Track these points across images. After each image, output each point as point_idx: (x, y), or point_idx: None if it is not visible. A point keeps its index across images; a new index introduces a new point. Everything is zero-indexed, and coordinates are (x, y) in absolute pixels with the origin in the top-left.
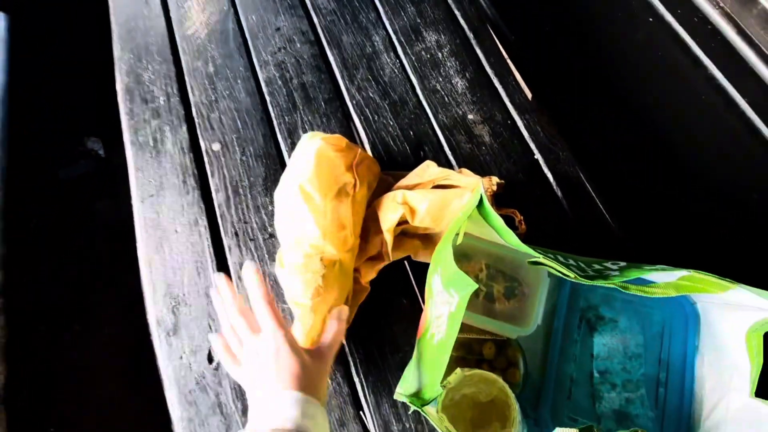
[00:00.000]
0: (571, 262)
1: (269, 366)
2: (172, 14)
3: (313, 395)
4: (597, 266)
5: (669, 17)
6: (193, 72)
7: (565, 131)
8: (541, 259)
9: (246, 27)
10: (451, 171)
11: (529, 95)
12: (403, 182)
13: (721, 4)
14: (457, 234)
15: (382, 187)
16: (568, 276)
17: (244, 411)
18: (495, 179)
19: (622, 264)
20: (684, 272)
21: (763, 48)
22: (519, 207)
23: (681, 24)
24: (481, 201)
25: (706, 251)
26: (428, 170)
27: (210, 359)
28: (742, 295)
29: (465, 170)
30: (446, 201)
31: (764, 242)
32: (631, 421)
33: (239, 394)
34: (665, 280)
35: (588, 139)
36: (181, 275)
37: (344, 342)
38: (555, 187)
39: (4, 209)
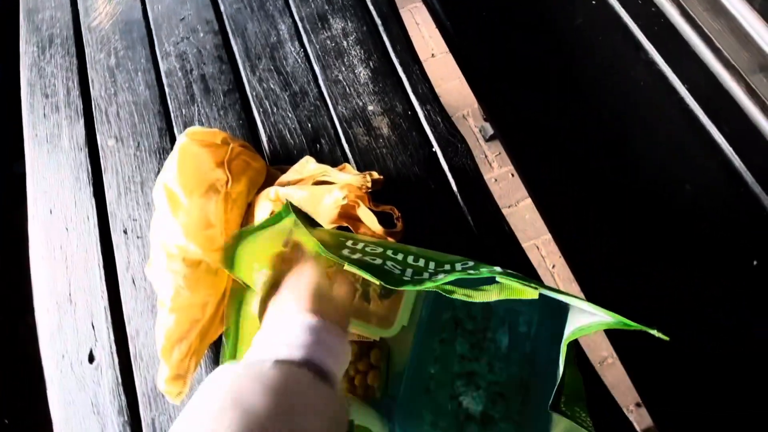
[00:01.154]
0: (410, 260)
1: (288, 283)
2: (79, 4)
3: (334, 322)
4: (447, 266)
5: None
6: (95, 65)
7: (496, 117)
8: (346, 265)
9: (151, 17)
10: (328, 167)
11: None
12: (283, 178)
13: None
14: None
15: (270, 182)
16: (374, 281)
17: (120, 410)
18: (372, 176)
19: (470, 264)
20: (497, 276)
21: (705, 30)
22: (409, 202)
23: (623, 6)
24: (300, 218)
25: (625, 246)
26: (307, 166)
27: (91, 359)
28: (567, 299)
29: (347, 166)
30: (317, 198)
31: (689, 235)
32: (495, 425)
33: (117, 393)
34: (495, 283)
35: (518, 123)
36: (67, 274)
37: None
38: (451, 180)
39: None
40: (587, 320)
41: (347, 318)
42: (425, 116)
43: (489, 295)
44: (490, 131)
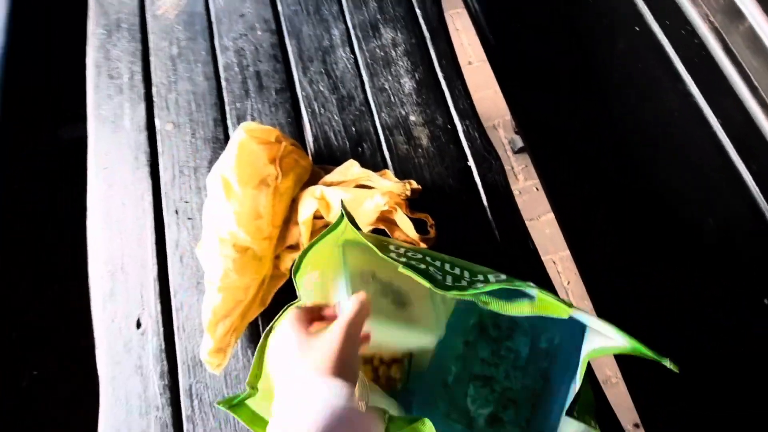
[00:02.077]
0: (447, 267)
1: (294, 355)
2: None
3: (349, 381)
4: (481, 276)
5: (655, 27)
6: (158, 52)
7: (528, 131)
8: (400, 267)
9: (213, 11)
10: (371, 172)
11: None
12: (327, 178)
13: (711, 19)
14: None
15: (313, 180)
16: (426, 285)
17: (161, 374)
18: (411, 184)
19: (503, 277)
20: (535, 289)
21: (745, 67)
22: (442, 211)
23: (667, 36)
24: (351, 223)
25: (651, 273)
26: (351, 169)
27: (138, 325)
28: (592, 321)
29: (387, 172)
30: (359, 200)
31: (711, 268)
32: (503, 426)
33: (159, 359)
34: (528, 298)
35: (549, 140)
36: (122, 246)
37: (259, 322)
38: (482, 194)
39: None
40: (605, 342)
41: (356, 374)
42: (464, 131)
43: (522, 309)
44: (519, 144)
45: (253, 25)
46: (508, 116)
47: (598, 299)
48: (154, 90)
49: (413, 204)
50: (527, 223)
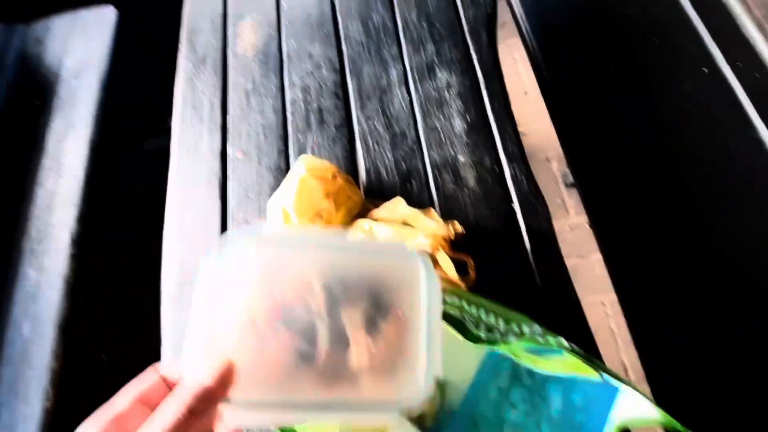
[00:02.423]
0: (483, 314)
1: None
2: (229, 32)
3: None
4: (515, 326)
5: (726, 70)
6: (236, 87)
7: (580, 169)
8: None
9: (285, 51)
10: (417, 212)
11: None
12: (375, 213)
13: None
14: None
15: (363, 213)
16: (458, 337)
17: None
18: (454, 226)
19: (538, 329)
20: (564, 351)
21: None
22: (484, 252)
23: (738, 79)
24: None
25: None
26: (398, 207)
27: None
28: (624, 388)
29: (432, 211)
30: (403, 239)
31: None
32: None
33: None
34: (560, 356)
35: (602, 179)
36: (191, 255)
37: None
38: (525, 239)
39: (90, 173)
40: (637, 411)
41: None
42: (511, 174)
43: (553, 367)
44: (572, 179)
45: (320, 64)
46: (561, 149)
47: (645, 350)
48: (229, 120)
49: (455, 244)
50: (576, 260)
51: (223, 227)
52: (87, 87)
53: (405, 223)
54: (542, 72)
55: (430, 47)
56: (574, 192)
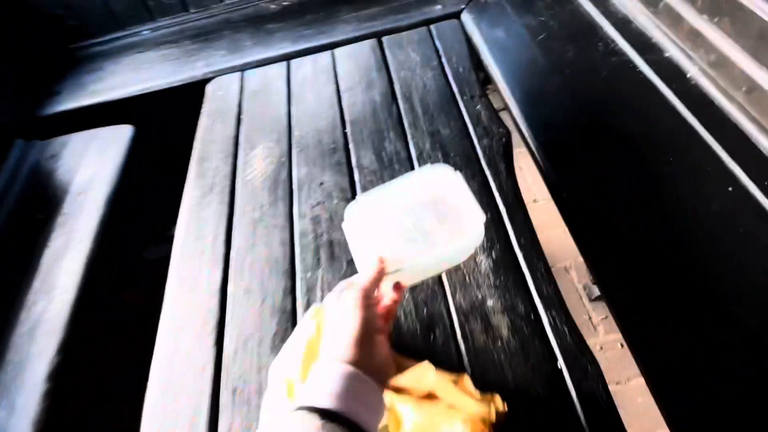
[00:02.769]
0: None
1: (332, 332)
2: (239, 159)
3: (372, 375)
4: None
5: (753, 188)
6: (242, 216)
7: (603, 280)
8: None
9: (295, 178)
10: (448, 382)
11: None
12: (398, 381)
13: None
14: None
15: None
16: None
17: None
18: (496, 404)
19: None
20: None
21: None
22: (529, 426)
23: (767, 196)
24: None
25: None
26: (426, 375)
27: None
28: None
29: (466, 380)
30: (434, 425)
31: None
32: None
33: None
34: None
35: (629, 292)
36: (174, 424)
37: None
38: (579, 410)
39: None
40: None
41: (387, 376)
42: (550, 323)
43: None
44: (596, 291)
45: (330, 193)
46: (581, 258)
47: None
48: (233, 253)
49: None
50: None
51: (215, 384)
52: (92, 202)
53: (433, 395)
54: (555, 186)
55: None
56: (600, 307)
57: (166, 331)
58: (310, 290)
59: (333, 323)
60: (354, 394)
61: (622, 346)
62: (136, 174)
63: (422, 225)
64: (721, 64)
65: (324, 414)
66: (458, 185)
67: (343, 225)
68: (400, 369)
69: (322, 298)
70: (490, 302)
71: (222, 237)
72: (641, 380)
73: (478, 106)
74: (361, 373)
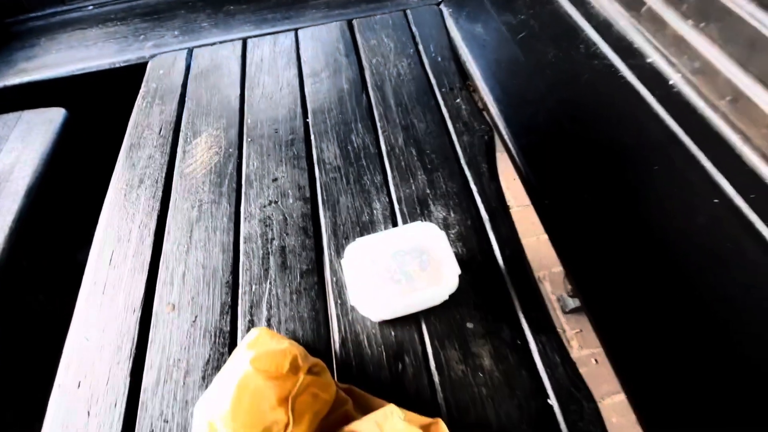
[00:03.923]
0: None
1: None
2: (179, 148)
3: None
4: None
5: (739, 200)
6: (176, 214)
7: (584, 290)
8: None
9: (245, 173)
10: (418, 429)
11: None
12: (356, 426)
13: None
14: None
15: (336, 414)
16: None
17: None
18: None
19: None
20: None
21: None
22: None
23: (753, 209)
24: None
25: None
26: (390, 420)
27: None
28: None
29: (441, 427)
30: None
31: None
32: None
33: None
34: None
35: (609, 303)
36: None
37: None
38: None
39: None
40: None
41: None
42: (539, 351)
43: None
44: (571, 304)
45: (286, 191)
46: (556, 268)
47: None
48: (162, 259)
49: None
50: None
51: (129, 421)
52: (9, 194)
53: None
54: (535, 191)
55: (421, 177)
56: (573, 319)
57: (70, 353)
58: (254, 307)
59: None
60: None
61: (596, 362)
62: (67, 163)
63: (406, 270)
64: (705, 71)
65: None
66: (441, 241)
67: (342, 261)
68: (361, 408)
69: (269, 318)
70: (469, 325)
71: (149, 240)
72: (617, 398)
73: (458, 99)
74: None
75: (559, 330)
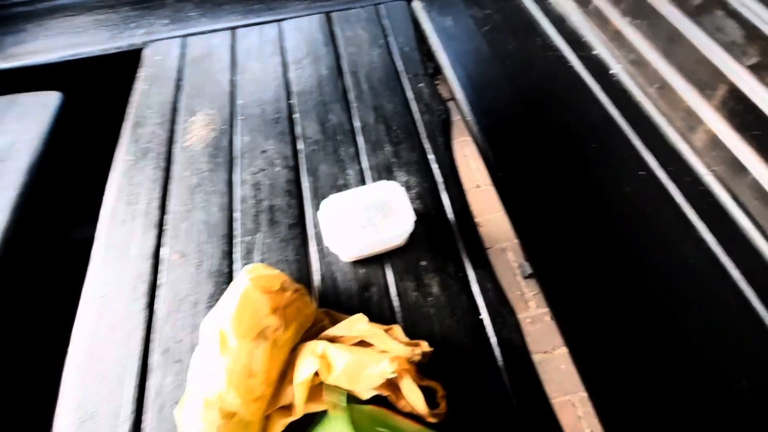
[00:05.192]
0: None
1: None
2: (177, 125)
3: None
4: None
5: (660, 173)
6: (179, 181)
7: (536, 261)
8: None
9: (237, 145)
10: (379, 330)
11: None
12: (330, 331)
13: (714, 168)
14: None
15: (316, 328)
16: None
17: None
18: (421, 347)
19: None
20: None
21: (755, 217)
22: (453, 372)
23: (672, 180)
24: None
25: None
26: (356, 325)
27: None
28: None
29: (396, 329)
30: (363, 364)
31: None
32: None
33: None
34: None
35: (558, 274)
36: (98, 387)
37: None
38: (497, 354)
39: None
40: None
41: None
42: (476, 280)
43: None
44: (529, 270)
45: (273, 161)
46: (517, 239)
47: None
48: (168, 218)
49: (423, 367)
50: (540, 355)
51: (145, 348)
52: (12, 172)
53: (365, 343)
54: (493, 168)
55: (388, 149)
56: (533, 284)
57: (91, 296)
58: (248, 253)
59: None
60: None
61: (551, 319)
62: (64, 145)
63: (372, 219)
64: (639, 62)
65: None
66: (401, 195)
67: (318, 214)
68: (336, 323)
69: (262, 260)
70: (423, 262)
71: (156, 202)
72: (564, 349)
73: (421, 84)
74: None
75: (518, 293)
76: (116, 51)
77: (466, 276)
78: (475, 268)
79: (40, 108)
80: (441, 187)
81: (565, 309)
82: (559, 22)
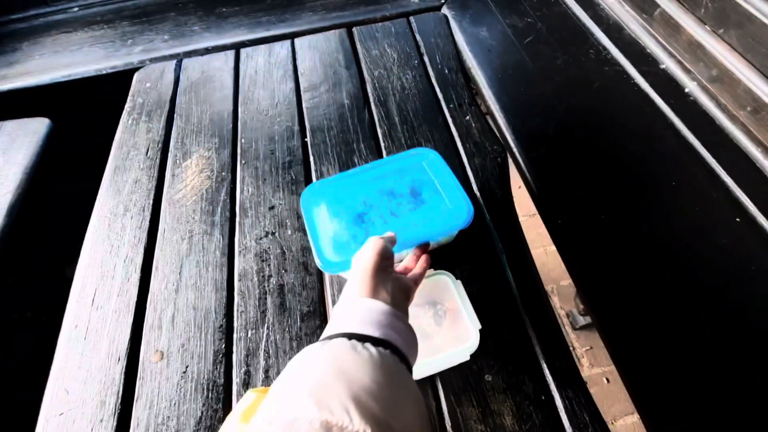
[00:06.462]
0: None
1: (360, 275)
2: (167, 171)
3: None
4: None
5: (762, 219)
6: (165, 247)
7: (596, 306)
8: None
9: (239, 200)
10: None
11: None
12: None
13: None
14: None
15: None
16: None
17: None
18: None
19: None
20: None
21: None
22: None
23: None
24: None
25: None
26: None
27: None
28: None
29: None
30: None
31: None
32: None
33: None
34: None
35: (623, 321)
36: None
37: None
38: None
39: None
40: None
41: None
42: (566, 408)
43: None
44: (581, 321)
45: (284, 221)
46: (565, 281)
47: None
48: (149, 299)
49: None
50: None
51: None
52: None
53: None
54: (548, 211)
55: None
56: (583, 336)
57: (47, 413)
58: (250, 355)
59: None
60: (395, 329)
61: (608, 381)
62: (52, 177)
63: (420, 324)
64: (723, 80)
65: (375, 342)
66: (456, 288)
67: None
68: None
69: (267, 369)
70: (488, 377)
71: (135, 276)
72: (629, 420)
73: (468, 117)
74: (395, 310)
75: (569, 347)
76: (110, 71)
77: (551, 399)
78: (562, 387)
79: (26, 137)
80: (504, 262)
81: (638, 371)
82: (616, 31)
